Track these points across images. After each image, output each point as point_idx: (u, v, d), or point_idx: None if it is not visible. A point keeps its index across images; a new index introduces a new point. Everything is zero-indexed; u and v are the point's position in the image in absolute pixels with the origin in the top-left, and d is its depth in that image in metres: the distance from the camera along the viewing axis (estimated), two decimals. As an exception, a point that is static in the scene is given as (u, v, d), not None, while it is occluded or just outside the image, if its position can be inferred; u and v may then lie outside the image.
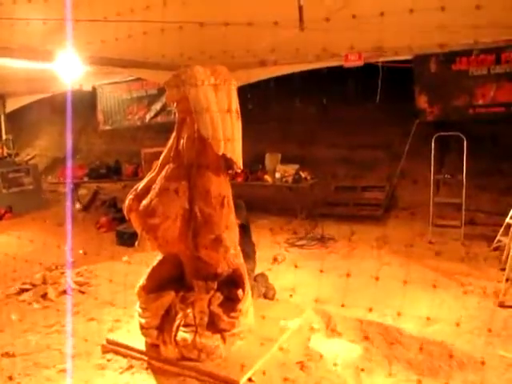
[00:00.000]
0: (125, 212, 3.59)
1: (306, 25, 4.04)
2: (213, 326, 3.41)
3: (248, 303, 3.57)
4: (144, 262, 5.79)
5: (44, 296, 4.80)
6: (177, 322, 3.42)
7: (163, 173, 3.58)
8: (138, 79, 7.79)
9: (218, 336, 3.38)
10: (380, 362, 3.40)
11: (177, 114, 3.67)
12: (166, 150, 3.81)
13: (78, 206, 7.85)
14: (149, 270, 3.77)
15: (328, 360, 3.43)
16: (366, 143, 7.91)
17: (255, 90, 7.84)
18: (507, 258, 4.82)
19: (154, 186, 3.54)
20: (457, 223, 5.69)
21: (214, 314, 3.44)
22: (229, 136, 3.27)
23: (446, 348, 3.45)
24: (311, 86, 7.68)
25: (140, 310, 3.58)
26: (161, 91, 7.97)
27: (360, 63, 6.27)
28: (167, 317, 3.53)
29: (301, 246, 5.95)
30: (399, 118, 7.37)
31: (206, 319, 3.42)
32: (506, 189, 6.64)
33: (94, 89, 8.33)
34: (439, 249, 5.57)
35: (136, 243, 3.45)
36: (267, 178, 6.77)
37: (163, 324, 3.50)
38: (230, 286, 3.71)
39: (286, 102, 8.50)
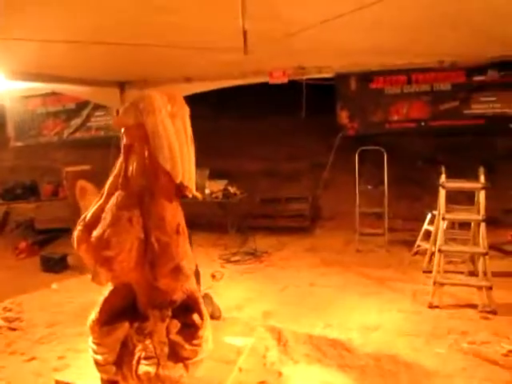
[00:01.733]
0: (74, 244, 3.42)
1: (248, 48, 4.12)
2: (174, 355, 3.36)
3: (208, 328, 3.57)
4: (75, 288, 5.55)
5: (-31, 337, 4.38)
6: (137, 355, 3.31)
7: (113, 201, 3.45)
8: (54, 93, 7.35)
9: (181, 365, 3.34)
10: (335, 373, 3.60)
11: (124, 140, 3.57)
12: (111, 177, 3.67)
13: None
14: (100, 301, 3.61)
15: (288, 377, 3.55)
16: (288, 156, 8.21)
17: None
18: (429, 261, 5.34)
19: (103, 216, 3.41)
20: (380, 231, 6.14)
21: (175, 342, 3.40)
22: (185, 164, 3.27)
23: (392, 352, 3.75)
24: (235, 100, 7.81)
25: (94, 346, 3.42)
26: (80, 106, 7.60)
27: (284, 80, 6.51)
28: (125, 350, 3.41)
29: (236, 262, 6.03)
30: (320, 131, 7.77)
31: (166, 349, 3.36)
32: (417, 196, 7.30)
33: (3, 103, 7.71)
34: (367, 256, 5.99)
35: (90, 277, 3.28)
36: (197, 194, 6.72)
37: (121, 359, 3.36)
38: (185, 312, 3.68)
39: (210, 117, 8.55)
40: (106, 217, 3.38)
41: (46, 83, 6.30)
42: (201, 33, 4.27)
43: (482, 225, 4.47)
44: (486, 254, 4.43)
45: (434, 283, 4.49)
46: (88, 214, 3.55)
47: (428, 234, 5.70)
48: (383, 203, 6.25)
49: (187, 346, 3.38)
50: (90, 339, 3.48)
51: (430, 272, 5.17)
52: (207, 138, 8.96)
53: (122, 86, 7.29)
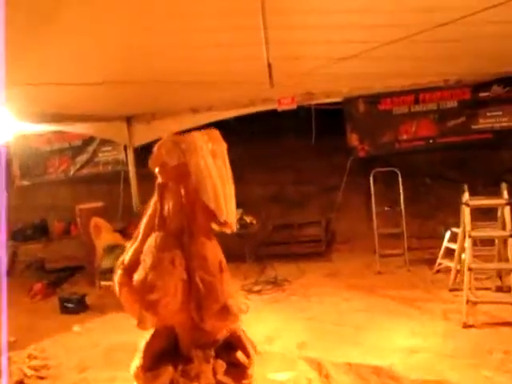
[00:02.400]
0: (116, 288, 3.35)
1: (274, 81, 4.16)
2: (224, 397, 3.30)
3: (254, 366, 3.51)
4: (98, 329, 5.43)
5: (-3, 390, 4.23)
6: (186, 400, 3.25)
7: (151, 242, 3.40)
8: (58, 131, 7.32)
9: (231, 406, 3.28)
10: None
11: (158, 179, 3.53)
12: (146, 217, 3.63)
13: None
14: (142, 346, 3.53)
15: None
16: (296, 180, 8.23)
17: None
18: (455, 279, 5.34)
19: (143, 258, 3.36)
20: (399, 251, 6.15)
21: (223, 383, 3.34)
22: (228, 202, 3.25)
23: (439, 377, 3.70)
24: (240, 126, 7.82)
25: (141, 394, 3.34)
26: (86, 142, 7.57)
27: (293, 106, 6.58)
28: (172, 395, 3.34)
29: (259, 292, 5.96)
30: (327, 154, 7.82)
31: (215, 391, 3.30)
32: (428, 213, 7.35)
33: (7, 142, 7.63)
34: (388, 278, 5.98)
35: (136, 323, 3.20)
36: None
37: (170, 404, 3.30)
38: (228, 351, 3.62)
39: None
40: (146, 259, 3.33)
41: (52, 124, 6.28)
42: (223, 67, 4.31)
43: (510, 240, 4.50)
44: (516, 269, 4.46)
45: (467, 302, 4.48)
46: (126, 257, 3.50)
47: (448, 251, 5.72)
48: (399, 223, 6.28)
49: (238, 387, 3.32)
50: (135, 386, 3.39)
51: (457, 290, 5.21)
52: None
53: (128, 120, 7.28)
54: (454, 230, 5.60)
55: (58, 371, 4.51)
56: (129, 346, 4.79)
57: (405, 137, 6.47)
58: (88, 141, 7.52)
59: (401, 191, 6.18)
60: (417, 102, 6.37)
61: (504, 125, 6.10)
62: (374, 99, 6.46)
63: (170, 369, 3.44)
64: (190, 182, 3.41)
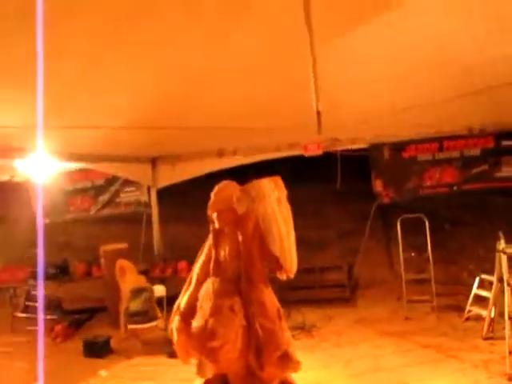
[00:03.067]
0: (174, 335, 3.31)
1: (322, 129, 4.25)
2: None
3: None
4: (125, 375, 5.28)
5: None
6: None
7: (208, 288, 3.38)
8: (82, 170, 7.36)
9: None
10: None
11: (215, 224, 3.54)
12: (200, 263, 3.63)
13: (18, 313, 6.91)
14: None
15: None
16: (316, 224, 8.27)
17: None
18: (489, 327, 5.31)
19: (200, 305, 3.33)
20: (427, 297, 6.13)
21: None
22: (291, 249, 3.27)
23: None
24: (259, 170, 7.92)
25: None
26: (108, 182, 7.60)
27: (319, 152, 6.70)
28: None
29: (288, 337, 5.87)
30: (347, 199, 7.91)
31: None
32: (451, 259, 7.38)
33: (28, 180, 7.64)
34: (418, 324, 5.93)
35: (196, 371, 3.15)
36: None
37: None
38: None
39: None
40: (204, 305, 3.30)
41: (80, 162, 6.34)
42: (270, 114, 4.43)
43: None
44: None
45: (510, 353, 4.44)
46: (181, 303, 3.48)
47: (477, 298, 5.72)
48: (423, 269, 6.30)
49: None
50: None
51: (491, 338, 5.18)
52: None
53: (153, 161, 7.35)
54: (483, 276, 5.63)
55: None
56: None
57: (429, 183, 6.60)
58: (111, 180, 7.55)
59: (428, 237, 6.23)
60: (441, 149, 6.53)
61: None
62: (398, 146, 6.61)
63: (223, 419, 3.37)
64: (248, 228, 3.46)
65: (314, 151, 6.71)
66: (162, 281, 6.58)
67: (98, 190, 7.61)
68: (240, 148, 6.98)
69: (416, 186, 6.61)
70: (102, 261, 6.51)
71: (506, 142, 6.31)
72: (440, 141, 6.48)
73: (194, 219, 9.10)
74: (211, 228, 3.62)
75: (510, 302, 4.67)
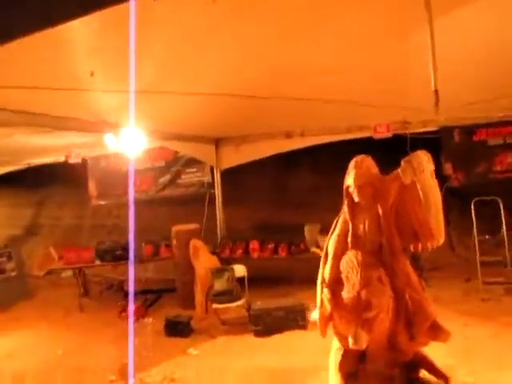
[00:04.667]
0: (327, 307, 3.32)
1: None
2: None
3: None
4: (216, 353, 5.29)
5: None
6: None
7: (350, 260, 3.39)
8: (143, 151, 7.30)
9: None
10: None
11: (354, 198, 3.54)
12: (334, 237, 3.64)
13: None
14: (335, 367, 3.48)
15: None
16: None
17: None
18: None
19: (345, 276, 3.34)
20: (504, 279, 6.20)
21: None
22: (442, 219, 3.30)
23: None
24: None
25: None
26: (169, 164, 7.56)
27: (389, 134, 6.68)
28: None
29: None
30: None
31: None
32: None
33: (85, 161, 7.57)
34: (496, 305, 5.98)
35: (350, 342, 3.16)
36: (316, 250, 6.67)
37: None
38: (411, 370, 3.59)
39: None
40: (351, 277, 3.31)
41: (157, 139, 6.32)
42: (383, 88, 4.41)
43: None
44: None
45: None
46: (325, 276, 3.49)
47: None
48: (496, 251, 6.37)
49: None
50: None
51: None
52: (304, 194, 9.11)
53: (217, 142, 7.32)
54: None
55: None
56: (263, 371, 4.72)
57: (499, 168, 6.63)
58: (172, 162, 7.52)
59: (502, 219, 6.28)
60: (512, 133, 6.57)
61: None
62: (469, 129, 6.64)
63: (363, 390, 3.41)
64: (387, 201, 3.47)
65: (383, 133, 6.70)
66: (232, 261, 6.58)
67: (159, 172, 7.57)
68: (309, 129, 6.96)
69: (486, 170, 6.66)
70: (174, 241, 6.49)
71: None
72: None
73: (244, 202, 9.16)
74: (346, 202, 3.64)
75: None
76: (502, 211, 6.30)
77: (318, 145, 7.33)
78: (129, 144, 5.05)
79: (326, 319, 3.43)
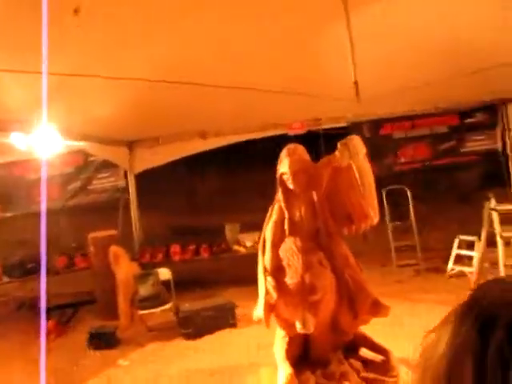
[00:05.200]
0: (272, 295, 3.28)
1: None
2: (375, 393, 3.36)
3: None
4: (147, 360, 5.05)
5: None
6: (345, 401, 3.25)
7: (289, 247, 3.42)
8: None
9: (386, 401, 3.34)
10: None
11: (285, 186, 3.58)
12: (271, 225, 3.64)
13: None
14: (281, 354, 3.46)
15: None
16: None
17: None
18: (477, 280, 5.93)
19: (286, 262, 3.36)
20: (414, 261, 6.67)
21: (371, 379, 3.39)
22: (375, 200, 3.44)
23: None
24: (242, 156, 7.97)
25: (297, 403, 3.24)
26: (79, 169, 7.06)
27: (303, 131, 6.92)
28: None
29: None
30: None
31: (366, 389, 3.35)
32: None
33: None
34: (409, 285, 6.41)
35: (298, 327, 3.16)
36: (238, 248, 6.63)
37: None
38: (353, 351, 3.69)
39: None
40: (292, 263, 3.34)
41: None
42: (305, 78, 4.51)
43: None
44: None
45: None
46: (266, 264, 3.47)
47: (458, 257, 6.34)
48: (409, 237, 6.85)
49: (388, 379, 3.38)
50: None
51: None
52: (218, 196, 9.00)
53: (130, 145, 7.03)
54: (461, 237, 6.26)
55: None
56: (199, 373, 4.59)
57: (403, 159, 7.14)
58: (81, 168, 7.05)
59: (410, 206, 6.76)
60: (413, 127, 7.10)
61: (487, 147, 7.04)
62: (376, 124, 7.06)
63: (309, 373, 3.44)
64: (321, 187, 3.57)
65: (297, 129, 6.92)
66: (153, 266, 6.33)
67: (67, 178, 7.04)
68: (224, 129, 6.94)
69: (392, 162, 7.12)
70: (91, 249, 6.07)
71: (468, 120, 7.04)
72: (412, 119, 7.05)
73: (159, 207, 8.89)
74: (281, 190, 3.66)
75: (503, 254, 5.30)
76: (410, 199, 6.79)
77: (228, 145, 7.34)
78: (42, 144, 4.62)
79: (271, 308, 3.40)
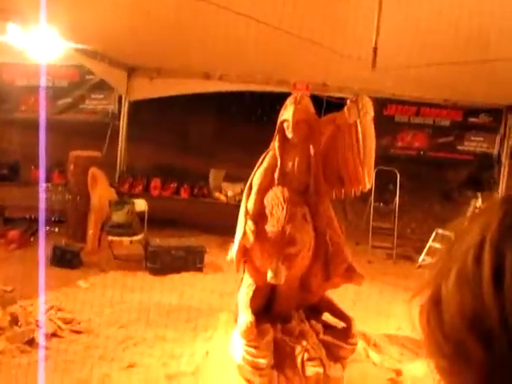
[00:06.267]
0: (249, 238, 3.19)
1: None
2: (331, 355, 3.34)
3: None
4: (108, 286, 5.00)
5: (30, 342, 3.66)
6: (299, 357, 3.22)
7: (275, 195, 3.32)
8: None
9: (339, 365, 3.34)
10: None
11: (283, 134, 3.45)
12: (261, 171, 3.52)
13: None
14: (246, 301, 3.41)
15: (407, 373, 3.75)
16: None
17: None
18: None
19: (269, 210, 3.27)
20: (389, 245, 6.68)
21: (329, 343, 3.38)
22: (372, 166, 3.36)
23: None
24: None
25: (252, 350, 3.20)
26: (73, 85, 6.77)
27: (307, 93, 6.74)
28: (279, 353, 3.28)
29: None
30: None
31: (323, 350, 3.33)
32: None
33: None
34: (380, 267, 6.45)
35: (269, 276, 3.09)
36: (219, 195, 6.52)
37: (280, 361, 3.24)
38: (317, 314, 3.68)
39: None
40: (276, 212, 3.25)
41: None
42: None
43: None
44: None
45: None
46: (249, 207, 3.37)
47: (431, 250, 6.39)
48: (389, 220, 6.84)
49: (346, 346, 3.38)
50: (243, 342, 3.24)
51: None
52: (208, 140, 8.80)
53: (130, 71, 6.76)
54: (439, 231, 6.29)
55: (90, 326, 4.08)
56: (159, 306, 4.56)
57: (400, 144, 7.06)
58: (75, 84, 6.75)
59: (397, 190, 6.73)
60: (417, 114, 6.99)
61: (484, 150, 6.99)
62: (382, 103, 6.91)
63: (269, 326, 3.41)
64: (319, 142, 3.46)
65: (302, 91, 6.74)
66: (130, 197, 6.20)
67: (59, 92, 6.75)
68: (228, 74, 6.72)
69: (388, 144, 7.03)
70: (71, 167, 5.89)
71: (472, 119, 6.96)
72: (418, 106, 6.93)
73: (148, 140, 8.68)
74: (278, 137, 3.53)
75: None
76: (398, 183, 6.75)
77: (226, 92, 7.13)
78: (40, 44, 4.37)
79: (245, 253, 3.33)
